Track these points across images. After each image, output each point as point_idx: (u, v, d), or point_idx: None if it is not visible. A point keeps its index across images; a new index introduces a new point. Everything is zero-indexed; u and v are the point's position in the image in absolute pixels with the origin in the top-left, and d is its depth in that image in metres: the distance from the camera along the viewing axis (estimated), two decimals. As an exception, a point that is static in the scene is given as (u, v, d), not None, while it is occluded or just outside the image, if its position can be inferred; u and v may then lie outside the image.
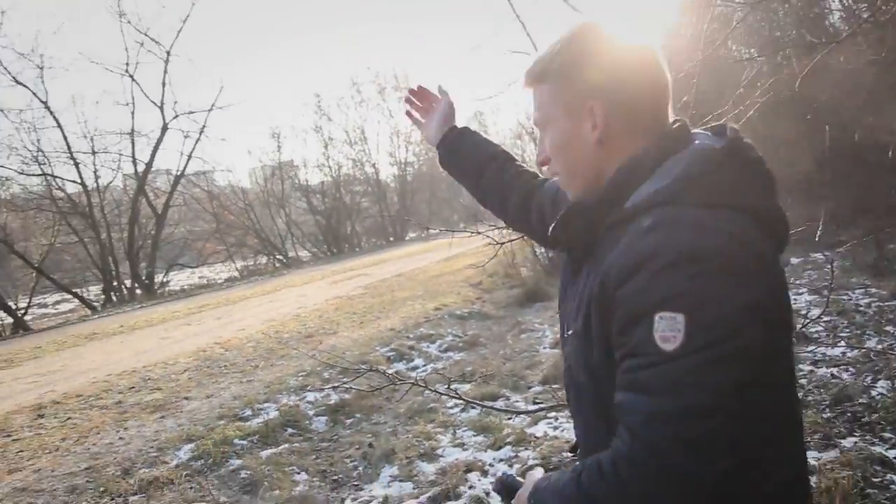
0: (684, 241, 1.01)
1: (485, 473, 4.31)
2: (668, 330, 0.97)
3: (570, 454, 1.42)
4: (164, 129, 25.02)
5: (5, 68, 21.88)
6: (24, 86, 22.35)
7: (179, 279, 28.95)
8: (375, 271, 18.90)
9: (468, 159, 1.82)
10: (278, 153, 33.40)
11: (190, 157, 26.10)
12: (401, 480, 4.39)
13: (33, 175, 23.41)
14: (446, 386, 5.20)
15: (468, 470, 4.34)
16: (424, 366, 7.64)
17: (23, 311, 21.72)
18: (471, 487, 4.04)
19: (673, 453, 0.95)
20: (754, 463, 1.02)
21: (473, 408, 5.52)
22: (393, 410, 5.82)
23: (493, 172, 1.78)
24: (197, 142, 26.19)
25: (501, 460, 4.44)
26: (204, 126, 25.90)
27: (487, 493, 3.86)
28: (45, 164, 23.26)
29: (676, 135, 1.19)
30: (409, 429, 5.32)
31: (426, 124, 1.90)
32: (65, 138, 23.59)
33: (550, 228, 1.24)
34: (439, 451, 4.78)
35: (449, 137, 1.83)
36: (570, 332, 1.22)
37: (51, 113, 22.99)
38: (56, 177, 23.65)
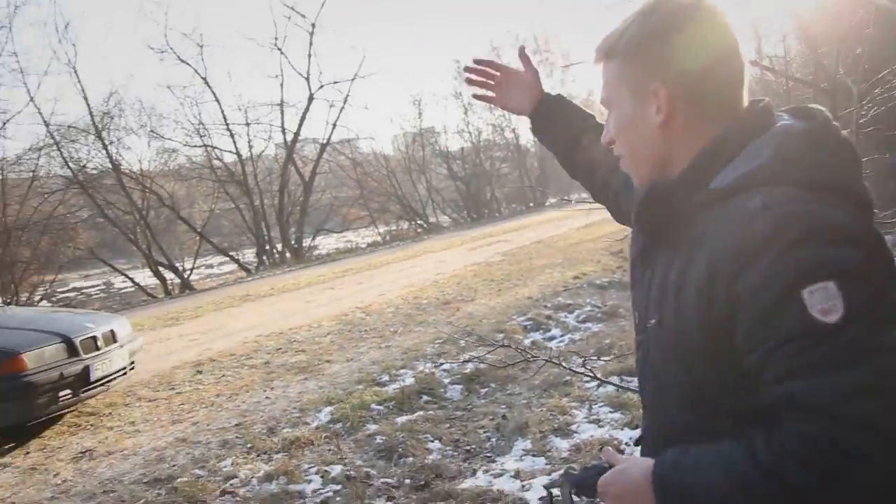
0: (804, 217, 0.97)
1: (621, 453, 4.14)
2: (824, 301, 0.92)
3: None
4: (311, 99, 25.95)
5: (171, 48, 23.45)
6: (187, 63, 23.86)
7: (326, 243, 30.18)
8: (514, 238, 18.83)
9: (563, 130, 1.71)
10: (419, 120, 33.88)
11: (335, 125, 26.96)
12: (534, 455, 4.33)
13: (195, 146, 25.07)
14: (583, 360, 5.08)
15: (603, 448, 4.20)
16: (561, 336, 7.51)
17: (188, 273, 23.46)
18: (606, 467, 3.91)
19: (884, 421, 0.89)
20: None
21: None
22: (528, 382, 5.75)
23: (587, 143, 1.67)
24: (341, 111, 26.90)
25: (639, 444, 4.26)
26: (347, 95, 26.60)
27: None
28: (205, 135, 24.84)
29: (761, 116, 1.13)
30: (543, 402, 5.24)
31: (507, 95, 1.74)
32: (222, 111, 25.07)
33: (635, 211, 1.18)
34: (574, 427, 4.67)
35: (544, 105, 1.71)
36: (653, 322, 1.15)
37: (209, 88, 24.46)
38: (215, 147, 25.21)
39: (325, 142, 27.33)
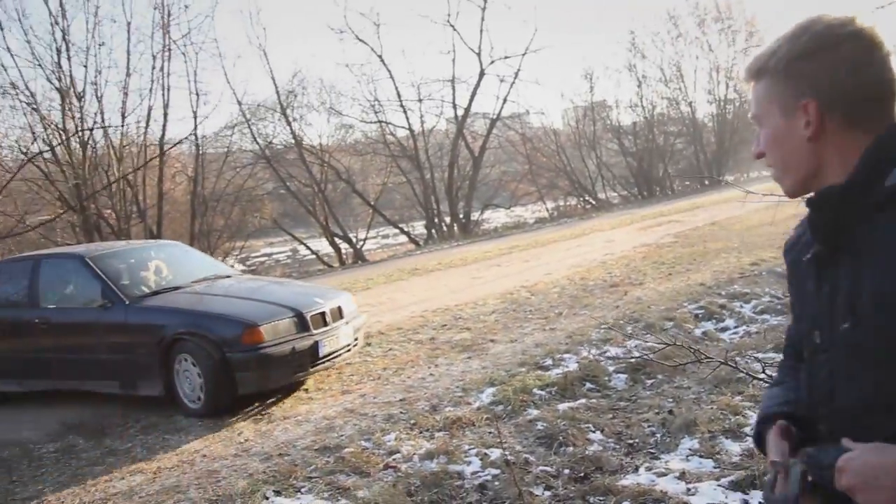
0: None
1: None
2: None
3: None
4: (482, 74, 26.05)
5: (350, 28, 24.45)
6: (364, 42, 24.74)
7: (493, 218, 30.43)
8: (687, 218, 18.01)
9: None
10: (590, 94, 33.04)
11: (505, 100, 26.95)
12: (701, 456, 4.12)
13: (370, 122, 26.05)
14: (763, 366, 4.76)
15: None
16: (736, 328, 7.08)
17: (361, 244, 24.57)
18: (781, 477, 3.63)
19: None
20: None
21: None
22: (697, 375, 5.47)
23: None
24: (511, 85, 26.81)
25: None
26: (518, 70, 26.46)
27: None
28: (379, 112, 25.72)
29: None
30: (713, 398, 4.96)
31: None
32: (396, 88, 25.82)
33: (808, 218, 1.23)
34: (747, 430, 4.38)
35: None
36: (845, 327, 1.13)
37: (385, 65, 25.28)
38: (389, 123, 26.04)
39: (494, 117, 27.44)
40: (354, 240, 24.68)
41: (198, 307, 6.07)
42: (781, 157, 1.24)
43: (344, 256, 23.48)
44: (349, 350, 6.37)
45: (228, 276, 7.32)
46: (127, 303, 6.12)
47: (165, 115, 18.82)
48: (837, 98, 1.15)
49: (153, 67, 18.48)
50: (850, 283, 1.12)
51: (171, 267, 7.03)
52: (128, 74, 17.82)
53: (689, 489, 3.68)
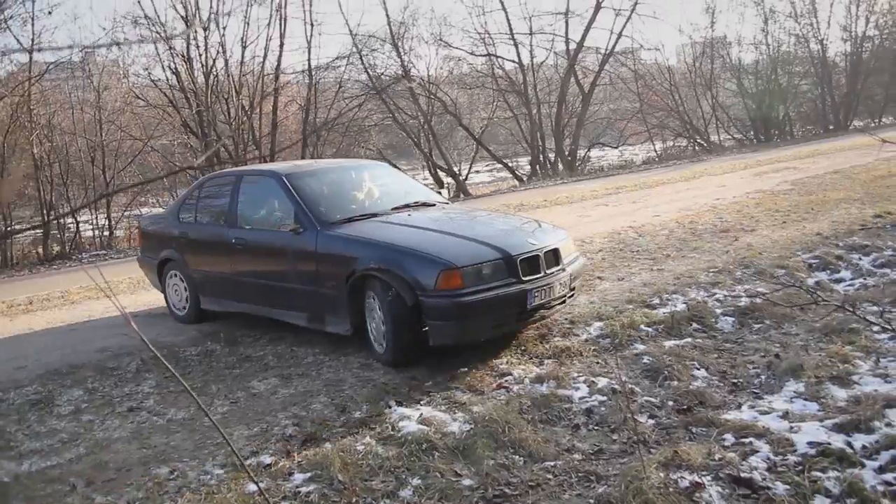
0: None
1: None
2: None
3: None
4: (598, 7, 25.32)
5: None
6: (478, -29, 24.38)
7: (600, 157, 29.94)
8: (807, 166, 17.21)
9: None
10: (711, 29, 31.49)
11: (620, 35, 26.15)
12: (805, 399, 4.20)
13: (480, 55, 25.88)
14: (880, 310, 4.73)
15: (888, 405, 3.95)
16: (852, 279, 6.93)
17: (464, 178, 24.79)
18: (888, 425, 3.69)
19: None
20: None
21: (906, 337, 4.94)
22: (807, 323, 5.48)
23: None
24: (628, 20, 25.97)
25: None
26: (636, 2, 25.55)
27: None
28: (490, 45, 25.50)
29: None
30: (822, 346, 4.99)
31: None
32: (507, 20, 25.44)
33: None
34: (855, 378, 4.41)
35: None
36: None
37: (497, -5, 24.86)
38: (498, 56, 25.81)
39: (607, 52, 26.71)
40: (458, 173, 24.91)
41: (393, 239, 5.27)
42: None
43: (447, 189, 23.82)
44: (563, 302, 5.50)
45: (434, 205, 6.42)
46: (318, 229, 5.60)
47: (281, 44, 19.40)
48: None
49: (273, -2, 18.95)
50: None
51: (372, 191, 6.47)
52: (249, 3, 18.36)
53: (791, 427, 3.79)
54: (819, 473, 3.32)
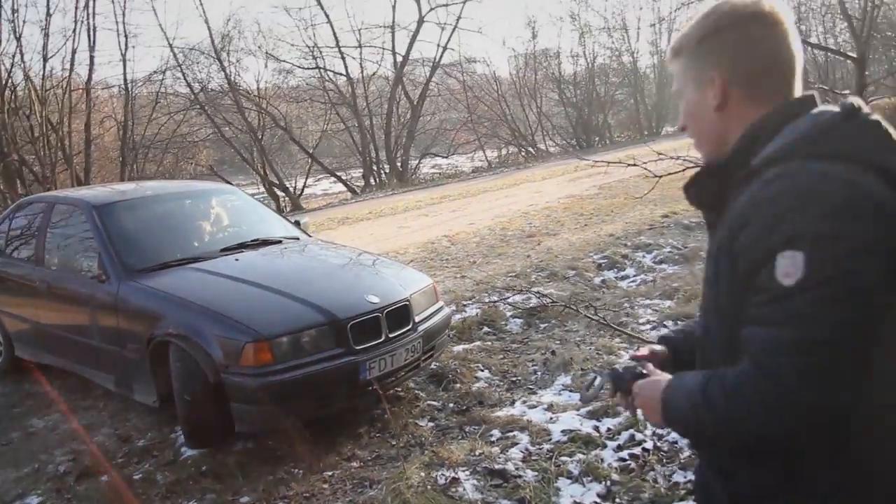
0: (803, 187, 1.12)
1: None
2: (790, 267, 1.08)
3: None
4: (421, 21, 25.99)
5: (285, -33, 23.86)
6: (301, -17, 24.30)
7: (432, 167, 30.63)
8: (617, 170, 18.47)
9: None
10: (533, 42, 33.25)
11: (445, 48, 27.00)
12: (571, 391, 4.59)
13: (309, 68, 25.79)
14: (647, 303, 5.20)
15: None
16: (635, 276, 7.60)
17: (299, 192, 24.57)
18: (632, 408, 4.12)
19: (792, 381, 1.08)
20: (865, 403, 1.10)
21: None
22: (586, 320, 5.96)
23: None
24: (451, 33, 26.92)
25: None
26: (459, 17, 26.48)
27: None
28: (318, 57, 25.47)
29: (800, 102, 1.28)
30: (594, 340, 5.46)
31: None
32: (334, 34, 25.60)
33: (683, 187, 1.39)
34: (617, 366, 4.86)
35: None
36: (703, 280, 1.35)
37: (322, 9, 24.95)
38: (327, 70, 25.83)
39: (434, 64, 27.43)
40: (292, 188, 24.67)
41: (200, 297, 4.28)
42: (697, 127, 1.38)
43: (282, 205, 23.50)
44: (417, 367, 4.57)
45: (278, 242, 5.37)
46: (121, 278, 4.58)
47: (91, 57, 18.43)
48: (740, 72, 1.29)
49: (76, 7, 17.96)
50: (711, 243, 1.31)
51: (204, 226, 5.49)
52: (49, 14, 17.28)
53: (551, 418, 4.15)
54: (566, 458, 3.66)
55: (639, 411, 1.45)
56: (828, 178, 1.11)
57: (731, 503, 1.31)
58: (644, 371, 1.47)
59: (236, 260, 4.90)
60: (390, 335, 4.28)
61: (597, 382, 1.58)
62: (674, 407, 1.29)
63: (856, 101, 1.24)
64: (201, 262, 4.79)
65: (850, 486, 1.17)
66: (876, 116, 1.23)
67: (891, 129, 1.21)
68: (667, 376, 1.38)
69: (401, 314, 4.41)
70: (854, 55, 2.45)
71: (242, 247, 5.14)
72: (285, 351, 3.91)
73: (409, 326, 4.44)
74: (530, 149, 31.78)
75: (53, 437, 4.63)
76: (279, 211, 22.27)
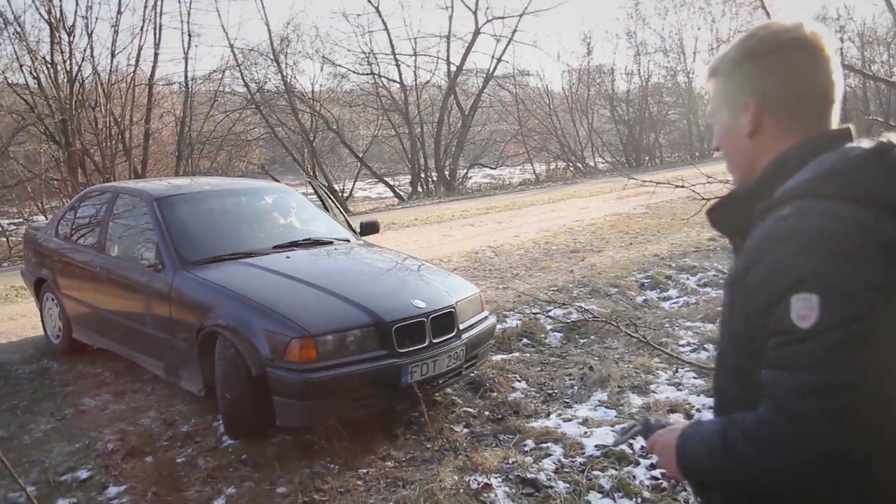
0: (816, 227, 1.12)
1: (689, 416, 4.36)
2: (805, 309, 1.08)
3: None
4: (477, 32, 26.07)
5: (347, -26, 24.28)
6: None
7: (479, 178, 30.72)
8: (665, 189, 18.33)
9: None
10: (587, 58, 33.10)
11: (499, 60, 27.04)
12: (606, 407, 4.62)
13: (363, 74, 26.12)
14: (688, 325, 5.21)
15: (672, 410, 4.43)
16: (678, 297, 7.57)
17: (346, 195, 24.88)
18: (667, 427, 4.13)
19: (814, 425, 1.07)
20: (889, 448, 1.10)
21: (704, 349, 5.51)
22: (626, 338, 5.96)
23: None
24: (506, 46, 26.96)
25: (711, 407, 4.42)
26: (515, 30, 26.53)
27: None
28: (373, 63, 25.77)
29: (832, 136, 1.27)
30: (633, 359, 5.46)
31: None
32: (390, 41, 25.76)
33: (707, 211, 1.40)
34: (653, 387, 4.89)
35: None
36: (722, 306, 1.36)
37: (380, 17, 25.27)
38: (381, 76, 26.11)
39: (487, 76, 27.53)
40: (339, 191, 24.98)
41: (250, 291, 4.37)
42: (729, 150, 1.38)
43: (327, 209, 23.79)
44: (458, 374, 4.59)
45: (329, 243, 5.44)
46: (177, 268, 4.72)
47: (156, 54, 18.96)
48: (774, 100, 1.28)
49: (145, 6, 18.55)
50: (731, 270, 1.31)
51: (258, 223, 5.66)
52: (119, 11, 17.87)
53: (585, 432, 4.19)
54: (598, 472, 3.70)
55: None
56: (843, 221, 1.11)
57: None
58: (665, 422, 1.47)
59: (287, 258, 4.97)
60: (434, 340, 4.30)
61: (633, 429, 1.57)
62: (689, 453, 1.29)
63: (889, 138, 1.22)
64: (253, 258, 4.89)
65: None
66: None
67: None
68: (683, 424, 1.37)
69: (445, 320, 4.42)
70: None
71: (294, 245, 5.23)
72: (330, 349, 3.97)
73: (454, 333, 4.45)
74: (579, 164, 31.65)
75: (103, 416, 4.82)
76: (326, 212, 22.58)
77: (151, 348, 4.99)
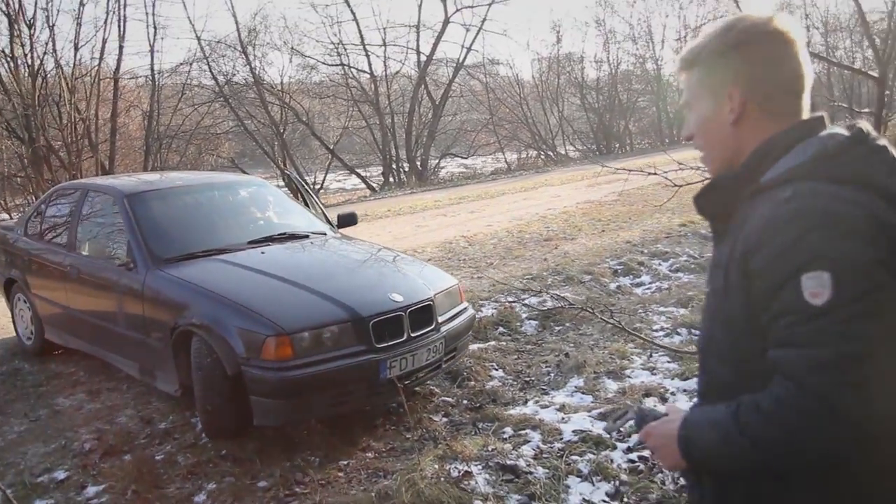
0: (820, 208, 1.17)
1: (664, 400, 4.44)
2: (816, 287, 1.13)
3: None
4: (446, 22, 26.07)
5: (314, -36, 24.08)
6: (331, -20, 24.50)
7: (451, 167, 30.76)
8: (637, 177, 18.50)
9: None
10: (557, 46, 33.25)
11: (468, 49, 27.05)
12: (583, 392, 4.68)
13: (333, 65, 25.98)
14: (662, 310, 5.28)
15: (647, 394, 4.50)
16: (650, 283, 7.66)
17: (318, 187, 24.76)
18: (643, 411, 4.20)
19: (842, 397, 1.11)
20: None
21: (677, 334, 5.60)
22: (601, 324, 6.02)
23: None
24: (476, 35, 26.94)
25: (685, 390, 4.51)
26: (485, 19, 26.53)
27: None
28: (342, 54, 25.65)
29: (811, 123, 1.34)
30: (608, 345, 5.53)
31: None
32: (359, 31, 25.70)
33: (693, 197, 1.44)
34: (628, 372, 4.96)
35: None
36: (709, 290, 1.40)
37: (349, 7, 25.12)
38: (351, 67, 26.00)
39: (457, 65, 27.53)
40: (311, 183, 24.83)
41: (223, 289, 4.29)
42: (708, 139, 1.41)
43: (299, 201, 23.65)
44: (438, 368, 4.57)
45: (305, 237, 5.36)
46: (148, 266, 4.63)
47: (121, 47, 18.74)
48: (757, 88, 1.33)
49: (108, -3, 18.22)
50: (718, 255, 1.35)
51: (232, 218, 5.53)
52: (82, 3, 17.57)
53: (563, 418, 4.24)
54: (577, 457, 3.75)
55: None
56: (840, 200, 1.17)
57: None
58: (657, 413, 1.49)
59: (262, 253, 4.87)
60: (412, 334, 4.25)
61: (625, 417, 1.60)
62: (697, 441, 1.29)
63: (864, 125, 1.30)
64: (227, 254, 4.80)
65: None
66: (882, 141, 1.29)
67: (893, 155, 1.28)
68: (679, 415, 1.37)
69: (424, 314, 4.38)
70: (876, 75, 2.51)
71: (269, 240, 5.13)
72: (306, 346, 3.91)
73: (432, 326, 4.41)
74: (550, 153, 31.81)
75: (79, 416, 4.78)
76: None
77: (125, 348, 4.91)
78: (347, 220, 6.19)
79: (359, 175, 26.68)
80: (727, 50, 1.35)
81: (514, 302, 6.61)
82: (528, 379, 5.06)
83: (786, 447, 1.17)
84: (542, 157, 31.42)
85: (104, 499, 3.64)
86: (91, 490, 3.73)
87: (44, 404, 5.02)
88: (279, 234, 5.27)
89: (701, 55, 1.39)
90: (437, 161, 28.60)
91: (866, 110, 3.08)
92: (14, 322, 6.35)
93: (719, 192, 1.37)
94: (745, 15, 1.39)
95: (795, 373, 1.15)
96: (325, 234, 5.60)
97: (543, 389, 4.86)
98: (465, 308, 4.93)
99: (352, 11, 25.29)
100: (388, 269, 5.02)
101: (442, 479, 3.48)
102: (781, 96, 1.34)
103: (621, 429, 1.54)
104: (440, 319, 4.50)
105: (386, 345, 4.10)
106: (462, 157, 31.04)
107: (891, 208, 1.21)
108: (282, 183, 24.30)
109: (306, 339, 3.92)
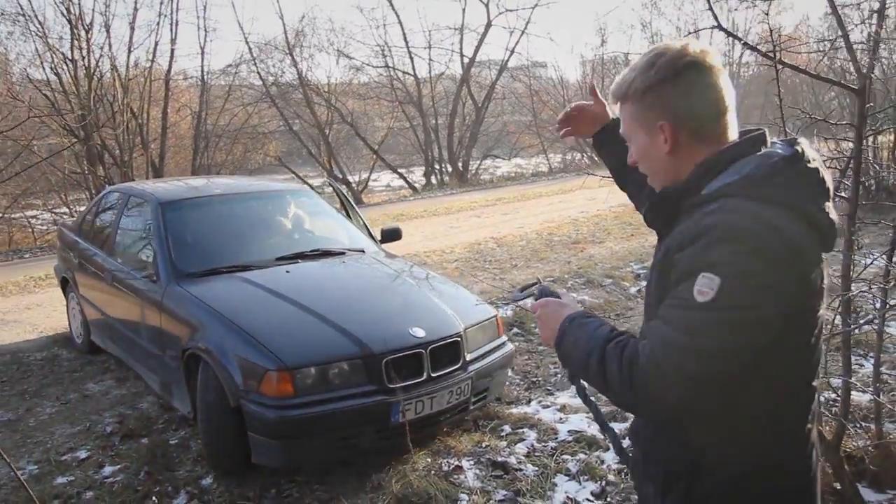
0: (735, 224, 1.30)
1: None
2: (706, 287, 1.27)
3: None
4: (488, 24, 26.14)
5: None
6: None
7: (493, 169, 30.81)
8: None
9: (616, 150, 1.93)
10: (601, 49, 33.00)
11: (512, 51, 27.05)
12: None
13: (377, 67, 26.29)
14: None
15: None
16: (673, 288, 7.67)
17: (361, 187, 25.10)
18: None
19: (671, 380, 1.29)
20: (733, 431, 1.37)
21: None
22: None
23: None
24: (520, 37, 26.98)
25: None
26: (528, 22, 26.64)
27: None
28: (388, 56, 25.94)
29: (751, 141, 1.45)
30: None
31: (578, 126, 2.07)
32: (403, 34, 25.99)
33: (644, 212, 1.59)
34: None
35: (606, 129, 2.01)
36: (645, 285, 1.59)
37: (394, 10, 25.47)
38: (395, 69, 26.26)
39: (500, 67, 27.59)
40: (355, 183, 25.19)
41: (233, 312, 4.00)
42: (650, 166, 1.52)
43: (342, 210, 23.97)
44: (464, 410, 4.10)
45: (341, 254, 5.04)
46: (169, 280, 4.42)
47: (172, 49, 19.26)
48: (685, 119, 1.43)
49: (161, 2, 18.83)
50: (656, 257, 1.48)
51: (266, 230, 5.27)
52: (136, 8, 18.18)
53: (561, 418, 4.36)
54: (568, 456, 3.87)
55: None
56: (758, 220, 1.29)
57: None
58: (558, 293, 1.68)
59: (287, 272, 4.58)
60: (433, 374, 3.83)
61: (530, 289, 1.77)
62: (569, 340, 1.49)
63: (800, 145, 1.41)
64: (251, 272, 4.50)
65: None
66: (814, 164, 1.40)
67: (826, 176, 1.40)
68: (574, 308, 1.57)
69: (450, 350, 3.95)
70: (854, 87, 2.49)
71: (299, 257, 4.83)
72: (310, 384, 3.59)
73: (458, 365, 3.96)
74: (593, 155, 31.59)
75: (105, 400, 5.07)
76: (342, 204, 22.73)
77: (148, 362, 4.75)
78: (391, 235, 5.77)
79: (401, 175, 26.94)
80: (652, 87, 1.44)
81: (512, 302, 6.70)
82: (534, 379, 5.18)
83: (619, 392, 1.36)
84: (585, 158, 31.25)
85: (119, 478, 3.89)
86: (108, 469, 3.99)
87: (75, 389, 5.33)
88: (311, 251, 4.97)
89: (628, 93, 1.49)
90: (478, 162, 28.69)
91: (843, 122, 3.09)
92: (69, 319, 6.53)
93: (664, 205, 1.49)
94: (665, 47, 1.46)
95: (653, 343, 1.32)
96: (362, 250, 5.23)
97: (548, 390, 4.97)
98: (503, 343, 4.44)
99: (396, 14, 25.73)
100: (416, 296, 4.47)
101: (433, 472, 3.63)
102: (710, 121, 1.44)
103: (525, 300, 1.74)
104: (470, 357, 4.07)
105: (401, 385, 3.70)
106: (503, 159, 31.06)
107: (811, 232, 1.34)
108: (329, 189, 24.73)
109: (311, 375, 3.59)
